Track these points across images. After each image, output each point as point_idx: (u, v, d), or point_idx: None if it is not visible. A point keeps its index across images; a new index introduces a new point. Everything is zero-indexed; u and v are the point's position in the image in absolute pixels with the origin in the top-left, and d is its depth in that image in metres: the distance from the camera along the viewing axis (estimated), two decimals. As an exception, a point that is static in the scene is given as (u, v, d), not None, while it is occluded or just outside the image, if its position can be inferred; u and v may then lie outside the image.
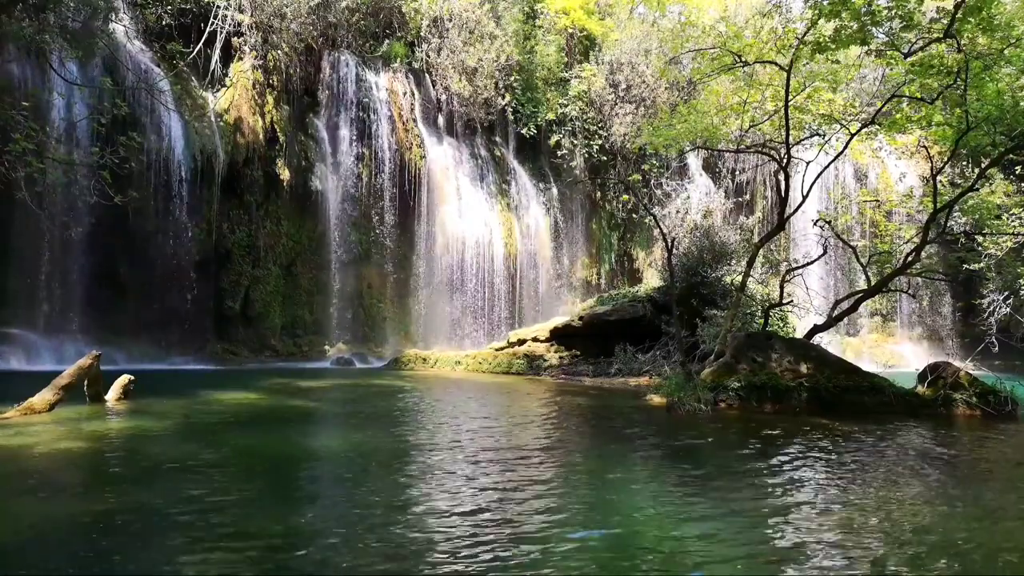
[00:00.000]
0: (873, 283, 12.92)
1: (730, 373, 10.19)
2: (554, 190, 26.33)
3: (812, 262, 14.08)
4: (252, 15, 19.68)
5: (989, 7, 9.53)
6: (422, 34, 23.73)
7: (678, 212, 20.33)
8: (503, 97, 24.53)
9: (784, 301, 13.39)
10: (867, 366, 13.52)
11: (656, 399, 10.39)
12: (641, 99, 25.67)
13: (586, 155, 25.96)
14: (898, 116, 12.03)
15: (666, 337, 14.96)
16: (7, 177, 11.19)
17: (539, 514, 4.33)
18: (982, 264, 17.99)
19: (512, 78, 24.81)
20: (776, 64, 11.90)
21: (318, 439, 7.43)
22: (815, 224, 14.69)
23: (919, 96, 11.19)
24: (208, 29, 19.01)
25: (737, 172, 27.82)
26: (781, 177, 13.09)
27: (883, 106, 11.94)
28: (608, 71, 25.86)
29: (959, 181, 19.41)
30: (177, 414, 8.28)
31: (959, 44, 9.97)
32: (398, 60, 23.32)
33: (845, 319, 17.13)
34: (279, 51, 20.27)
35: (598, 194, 27.19)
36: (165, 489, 4.79)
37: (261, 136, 19.76)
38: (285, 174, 20.27)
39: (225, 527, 3.97)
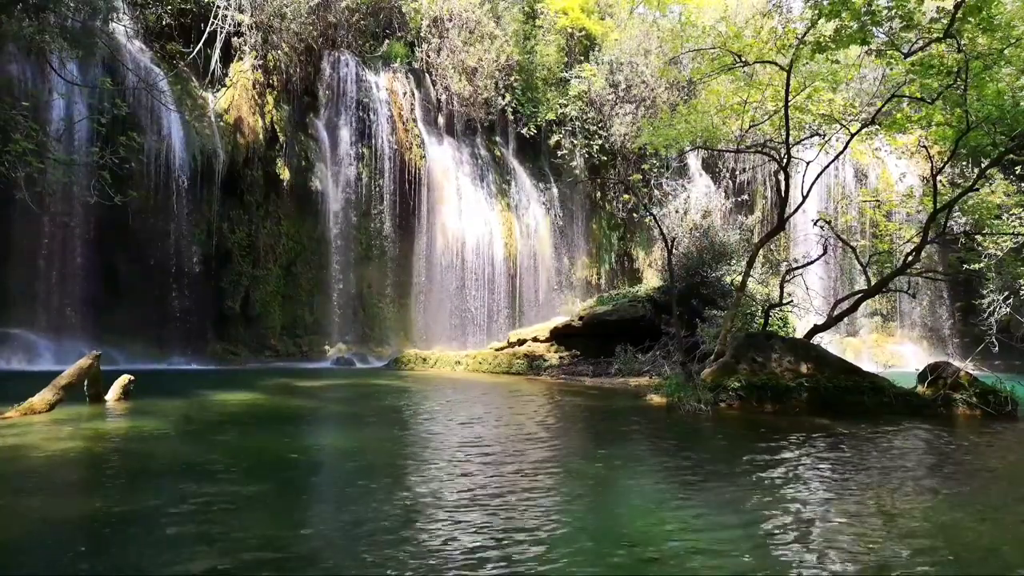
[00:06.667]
0: (873, 283, 12.92)
1: (730, 373, 10.19)
2: (554, 190, 26.34)
3: (812, 262, 14.07)
4: (252, 15, 19.69)
5: (989, 7, 9.52)
6: (422, 34, 23.74)
7: (678, 212, 20.33)
8: (503, 97, 24.53)
9: (784, 301, 13.39)
10: (867, 366, 13.54)
11: (656, 399, 10.39)
12: (641, 99, 25.68)
13: (586, 155, 25.96)
14: (898, 116, 12.03)
15: (666, 337, 14.95)
16: (7, 177, 11.18)
17: (539, 516, 4.33)
18: (982, 264, 17.99)
19: (512, 78, 24.82)
20: (776, 64, 11.90)
21: (318, 440, 7.43)
22: (815, 224, 14.68)
23: (919, 96, 11.18)
24: (208, 29, 19.02)
25: (737, 172, 27.82)
26: (781, 177, 13.08)
27: (883, 106, 11.93)
28: (608, 71, 25.87)
29: (959, 181, 19.41)
30: (177, 414, 8.27)
31: (959, 44, 9.96)
32: (398, 60, 23.33)
33: (845, 319, 17.13)
34: (279, 51, 20.27)
35: (598, 194, 27.19)
36: (165, 489, 4.79)
37: (261, 136, 19.75)
38: (285, 174, 20.27)
39: (225, 528, 3.97)
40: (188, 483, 4.93)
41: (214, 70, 19.53)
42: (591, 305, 18.88)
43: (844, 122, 12.82)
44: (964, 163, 21.48)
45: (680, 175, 26.58)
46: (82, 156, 14.82)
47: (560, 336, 17.68)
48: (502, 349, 18.10)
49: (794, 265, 15.19)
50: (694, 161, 27.64)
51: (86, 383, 8.51)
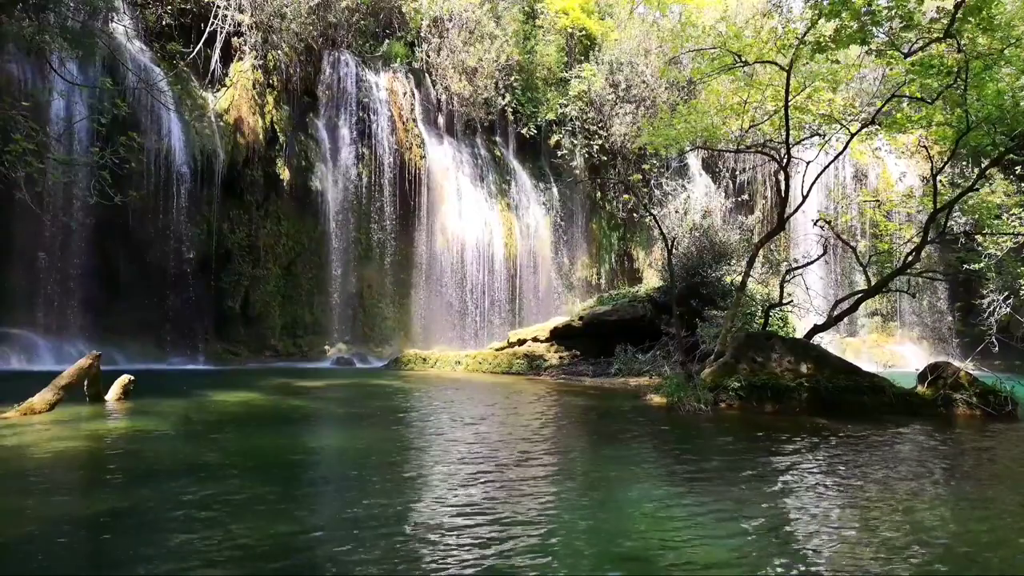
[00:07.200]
0: (873, 283, 12.92)
1: (730, 373, 10.19)
2: (554, 190, 26.33)
3: (812, 262, 14.07)
4: (252, 15, 19.68)
5: (989, 7, 9.51)
6: (422, 34, 23.74)
7: (678, 212, 20.30)
8: (503, 97, 24.53)
9: (784, 301, 13.38)
10: (867, 366, 13.52)
11: (656, 399, 10.39)
12: (641, 99, 25.67)
13: (586, 155, 25.96)
14: (898, 116, 12.01)
15: (666, 337, 14.96)
16: (7, 177, 11.17)
17: (543, 518, 4.33)
18: (982, 264, 17.96)
19: (512, 78, 24.82)
20: (776, 64, 11.89)
21: (318, 439, 7.43)
22: (815, 224, 14.68)
23: (919, 96, 11.18)
24: (208, 29, 19.02)
25: (737, 172, 27.81)
26: (781, 177, 13.08)
27: (883, 106, 11.93)
28: (608, 71, 25.86)
29: (959, 181, 19.38)
30: (177, 414, 8.28)
31: (959, 44, 9.96)
32: (398, 60, 23.33)
33: (845, 319, 17.10)
34: (279, 51, 20.27)
35: (598, 194, 27.19)
36: (165, 489, 4.79)
37: (261, 136, 19.75)
38: (285, 174, 20.27)
39: (225, 527, 3.97)
40: (188, 483, 4.93)
41: (214, 70, 19.53)
42: (591, 305, 18.88)
43: (844, 122, 12.81)
44: (964, 163, 21.47)
45: (680, 175, 26.57)
46: (82, 156, 14.81)
47: (560, 336, 17.68)
48: (502, 349, 18.10)
49: (794, 265, 15.19)
50: (694, 161, 27.63)
51: (86, 383, 8.51)
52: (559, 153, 26.03)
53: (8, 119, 11.43)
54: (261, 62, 20.06)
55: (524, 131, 25.43)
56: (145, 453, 6.06)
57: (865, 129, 12.24)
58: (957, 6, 9.62)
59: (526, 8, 26.52)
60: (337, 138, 21.57)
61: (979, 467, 6.42)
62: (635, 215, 26.12)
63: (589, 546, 3.79)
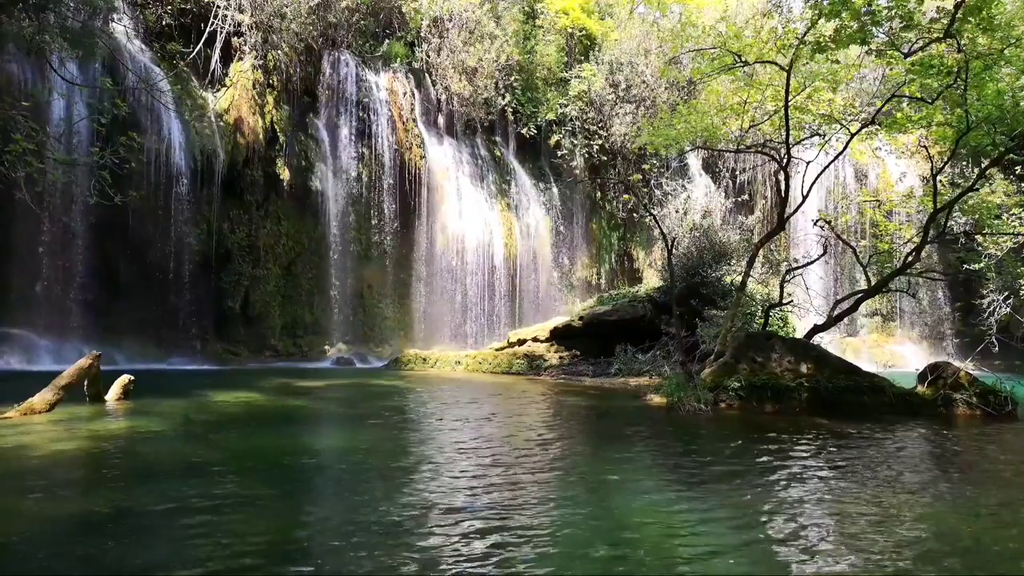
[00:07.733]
0: (873, 283, 12.92)
1: (730, 373, 10.19)
2: (554, 190, 26.32)
3: (812, 262, 14.07)
4: (252, 15, 19.67)
5: (989, 7, 9.51)
6: (422, 34, 23.74)
7: (678, 212, 20.29)
8: (503, 97, 24.52)
9: (784, 301, 13.39)
10: (867, 366, 13.53)
11: (656, 399, 10.39)
12: (641, 99, 25.66)
13: (586, 155, 25.95)
14: (898, 116, 12.01)
15: (666, 337, 14.96)
16: (7, 177, 11.16)
17: (543, 519, 4.33)
18: (982, 264, 17.95)
19: (512, 78, 24.81)
20: (776, 64, 11.89)
21: (318, 440, 7.43)
22: (815, 224, 14.69)
23: (919, 96, 11.19)
24: (208, 29, 19.01)
25: (737, 172, 27.79)
26: (781, 177, 13.08)
27: (883, 106, 11.93)
28: (608, 71, 25.85)
29: (959, 181, 19.36)
30: (177, 414, 8.28)
31: (959, 44, 9.96)
32: (398, 60, 23.32)
33: (845, 319, 17.10)
34: (279, 51, 20.26)
35: (598, 194, 27.17)
36: (164, 489, 4.79)
37: (261, 136, 19.75)
38: (285, 174, 20.27)
39: (225, 528, 3.97)
40: (188, 484, 4.93)
41: (214, 70, 19.52)
42: (591, 305, 18.88)
43: (844, 122, 12.81)
44: (964, 163, 21.45)
45: (680, 175, 26.54)
46: (82, 156, 14.80)
47: (560, 336, 17.68)
48: (502, 349, 18.10)
49: (794, 265, 15.19)
50: (694, 161, 27.62)
51: (86, 383, 8.51)
52: (559, 153, 26.02)
53: (8, 119, 11.42)
54: (261, 62, 20.06)
55: (524, 131, 25.42)
56: (145, 453, 6.06)
57: (865, 129, 12.24)
58: (957, 6, 9.62)
59: (526, 8, 26.52)
60: (337, 138, 21.56)
61: (979, 468, 6.42)
62: (635, 215, 26.09)
63: (592, 548, 3.79)
